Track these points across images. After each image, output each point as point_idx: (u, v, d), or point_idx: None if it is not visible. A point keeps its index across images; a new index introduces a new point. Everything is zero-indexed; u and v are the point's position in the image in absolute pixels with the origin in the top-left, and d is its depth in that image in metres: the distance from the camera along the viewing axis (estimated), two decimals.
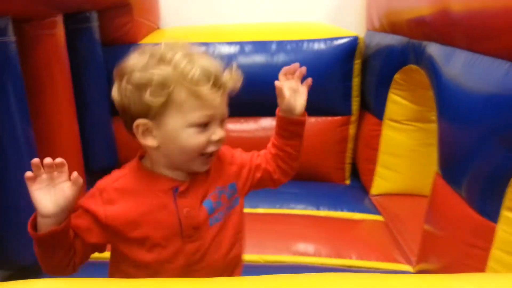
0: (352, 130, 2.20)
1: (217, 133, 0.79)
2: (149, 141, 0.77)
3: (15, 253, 1.27)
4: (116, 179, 0.81)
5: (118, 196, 0.79)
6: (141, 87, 0.74)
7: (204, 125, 0.77)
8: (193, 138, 0.77)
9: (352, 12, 2.46)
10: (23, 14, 1.33)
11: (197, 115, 0.76)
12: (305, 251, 1.63)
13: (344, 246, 1.66)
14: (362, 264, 1.59)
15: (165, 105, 0.74)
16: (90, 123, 1.87)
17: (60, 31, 1.52)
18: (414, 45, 1.67)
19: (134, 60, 0.76)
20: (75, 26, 1.68)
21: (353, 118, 2.18)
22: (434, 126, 1.91)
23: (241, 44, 2.14)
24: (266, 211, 1.91)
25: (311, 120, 2.18)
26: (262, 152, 0.96)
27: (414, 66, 1.71)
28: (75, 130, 1.67)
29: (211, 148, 0.79)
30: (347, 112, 2.17)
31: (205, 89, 0.74)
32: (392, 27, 1.91)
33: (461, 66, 1.24)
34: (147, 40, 2.19)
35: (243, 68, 0.80)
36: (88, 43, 1.79)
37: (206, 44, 2.11)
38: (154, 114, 0.75)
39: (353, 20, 2.42)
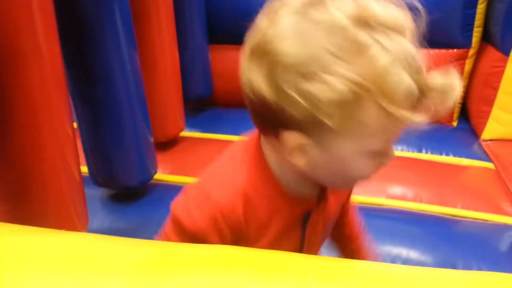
0: (468, 65, 1.95)
1: (390, 154, 0.57)
2: (299, 161, 0.55)
3: (120, 173, 1.35)
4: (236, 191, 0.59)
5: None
6: None
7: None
8: (365, 166, 0.55)
9: None
10: None
11: (381, 142, 0.53)
12: (403, 195, 1.54)
13: (448, 193, 1.54)
14: (468, 214, 1.46)
15: (341, 125, 0.50)
16: (188, 51, 1.87)
17: None
18: None
19: (311, 42, 0.47)
20: None
21: (472, 51, 1.93)
22: None
23: None
24: None
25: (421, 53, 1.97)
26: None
27: None
28: (176, 57, 1.68)
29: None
30: (466, 44, 1.91)
31: (409, 115, 0.49)
32: None
33: None
34: None
35: None
36: None
37: None
38: (318, 132, 0.51)
39: None
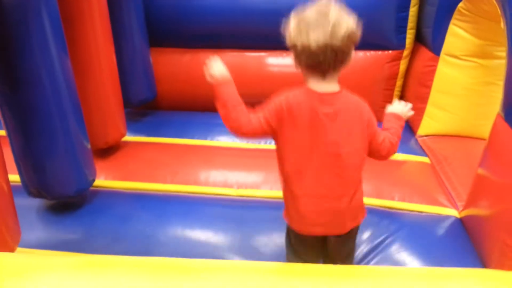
0: (403, 65, 2.04)
1: None
2: None
3: (54, 183, 1.29)
4: None
5: None
6: None
7: None
8: None
9: None
10: None
11: None
12: None
13: (386, 187, 1.60)
14: (404, 206, 1.53)
15: None
16: (128, 54, 1.83)
17: None
18: None
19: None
20: None
21: (406, 52, 2.02)
22: (497, 63, 1.75)
23: None
24: None
25: (359, 55, 2.04)
26: None
27: None
28: (113, 61, 1.63)
29: None
30: (400, 46, 2.00)
31: None
32: None
33: None
34: None
35: None
36: None
37: None
38: None
39: None
